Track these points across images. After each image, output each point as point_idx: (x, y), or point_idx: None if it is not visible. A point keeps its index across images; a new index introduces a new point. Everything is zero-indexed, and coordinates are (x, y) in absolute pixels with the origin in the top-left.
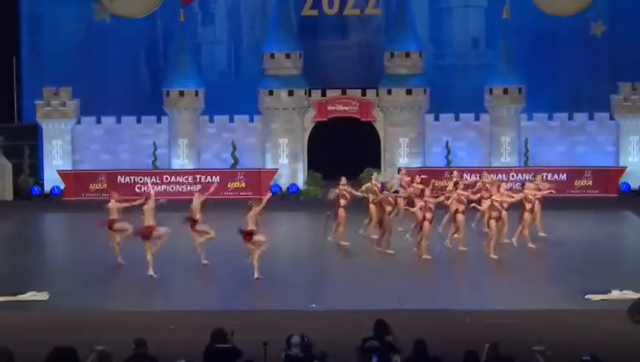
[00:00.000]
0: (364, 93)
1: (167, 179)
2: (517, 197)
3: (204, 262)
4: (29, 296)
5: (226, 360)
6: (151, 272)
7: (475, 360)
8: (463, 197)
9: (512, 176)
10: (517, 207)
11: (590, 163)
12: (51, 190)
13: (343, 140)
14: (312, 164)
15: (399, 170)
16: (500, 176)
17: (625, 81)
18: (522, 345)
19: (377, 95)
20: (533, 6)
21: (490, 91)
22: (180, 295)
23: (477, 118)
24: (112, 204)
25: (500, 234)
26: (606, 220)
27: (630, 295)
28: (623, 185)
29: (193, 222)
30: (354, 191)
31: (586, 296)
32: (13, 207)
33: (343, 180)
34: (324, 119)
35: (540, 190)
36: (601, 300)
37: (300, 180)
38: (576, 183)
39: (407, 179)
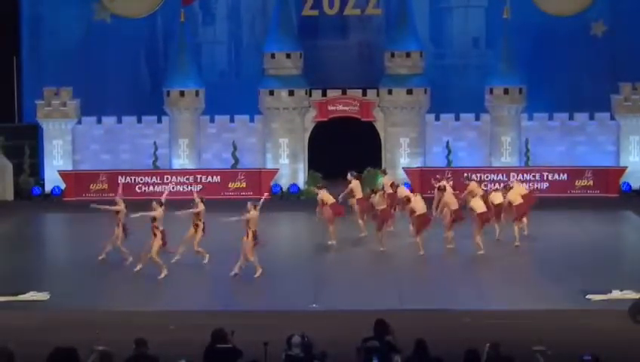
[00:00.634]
0: (364, 93)
1: (167, 179)
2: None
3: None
4: (29, 296)
5: (226, 361)
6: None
7: (476, 360)
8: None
9: (513, 176)
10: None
11: (591, 163)
12: (52, 190)
13: (344, 140)
14: (313, 164)
15: (384, 171)
16: (499, 176)
17: (625, 81)
18: (522, 345)
19: (378, 95)
20: (533, 6)
21: (491, 91)
22: (180, 295)
23: (477, 118)
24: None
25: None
26: (606, 220)
27: (630, 295)
28: (623, 185)
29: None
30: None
31: (587, 296)
32: (14, 207)
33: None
34: (325, 119)
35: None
36: (602, 300)
37: (301, 180)
38: (576, 183)
39: (390, 182)
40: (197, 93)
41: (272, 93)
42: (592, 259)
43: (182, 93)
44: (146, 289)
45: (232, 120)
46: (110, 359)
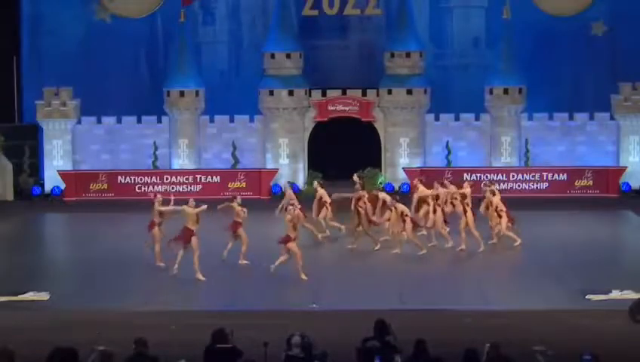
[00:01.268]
0: (364, 93)
1: (167, 179)
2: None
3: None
4: (29, 296)
5: (227, 361)
6: (199, 276)
7: (475, 359)
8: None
9: (513, 176)
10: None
11: (590, 163)
12: (52, 190)
13: (343, 140)
14: (313, 164)
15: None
16: (500, 176)
17: (625, 81)
18: (522, 345)
19: (378, 95)
20: (533, 6)
21: (491, 91)
22: (180, 295)
23: (477, 118)
24: (156, 207)
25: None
26: (606, 220)
27: (630, 295)
28: (623, 185)
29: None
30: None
31: (587, 296)
32: (14, 207)
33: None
34: (325, 119)
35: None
36: (602, 300)
37: (301, 180)
38: (576, 183)
39: (360, 182)
40: (197, 93)
41: (272, 93)
42: (592, 259)
43: (182, 93)
44: (146, 289)
45: (232, 120)
46: (110, 359)
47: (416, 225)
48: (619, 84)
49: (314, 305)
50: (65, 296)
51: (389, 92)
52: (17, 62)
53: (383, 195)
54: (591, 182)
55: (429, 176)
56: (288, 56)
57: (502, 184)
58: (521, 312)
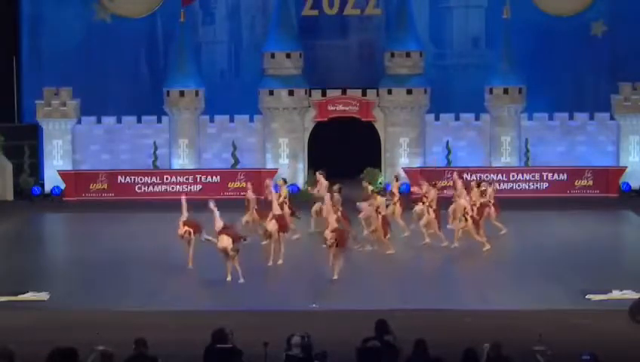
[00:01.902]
0: (364, 93)
1: (167, 179)
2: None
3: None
4: (29, 296)
5: (227, 361)
6: (241, 279)
7: (475, 359)
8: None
9: (513, 176)
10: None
11: (590, 163)
12: (52, 190)
13: (344, 140)
14: (313, 164)
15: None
16: (500, 176)
17: (625, 81)
18: (522, 345)
19: (378, 95)
20: (533, 6)
21: (491, 91)
22: (180, 295)
23: (477, 118)
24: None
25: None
26: (606, 220)
27: (630, 295)
28: (623, 184)
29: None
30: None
31: (586, 296)
32: (14, 206)
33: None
34: (325, 119)
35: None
36: (602, 300)
37: (301, 180)
38: (576, 183)
39: (325, 183)
40: (197, 93)
41: (271, 93)
42: (592, 259)
43: (182, 93)
44: (146, 289)
45: (231, 120)
46: (110, 359)
47: (385, 225)
48: (619, 84)
49: (314, 305)
50: (65, 296)
51: (389, 92)
52: (17, 62)
53: (380, 200)
54: (591, 182)
55: (429, 176)
56: (288, 56)
57: (502, 184)
58: (521, 312)
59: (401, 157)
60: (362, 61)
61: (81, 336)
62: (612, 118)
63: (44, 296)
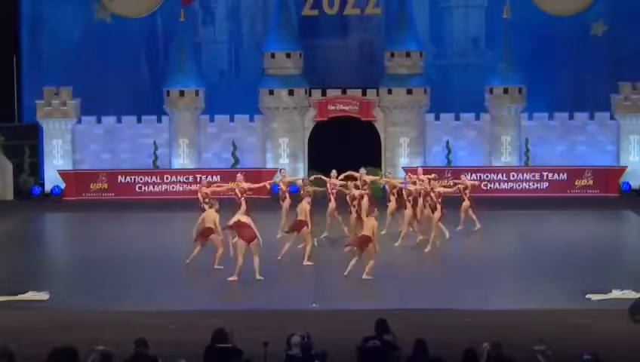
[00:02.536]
0: (364, 93)
1: (167, 178)
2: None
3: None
4: (29, 295)
5: (227, 360)
6: (258, 276)
7: (475, 359)
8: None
9: (513, 176)
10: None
11: (590, 162)
12: (52, 190)
13: (344, 140)
14: (313, 164)
15: (280, 170)
16: (500, 175)
17: (625, 81)
18: (522, 345)
19: (378, 95)
20: (533, 6)
21: (491, 91)
22: (180, 295)
23: (477, 118)
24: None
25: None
26: (606, 220)
27: (630, 295)
28: (623, 184)
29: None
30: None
31: (586, 296)
32: (14, 206)
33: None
34: (325, 119)
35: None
36: (602, 300)
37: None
38: (576, 183)
39: (287, 180)
40: (197, 93)
41: (271, 92)
42: (592, 259)
43: (182, 93)
44: (146, 289)
45: (231, 119)
46: (110, 359)
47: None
48: (619, 84)
49: (314, 305)
50: (65, 295)
51: (389, 92)
52: (17, 62)
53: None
54: (591, 182)
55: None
56: (288, 55)
57: (502, 184)
58: (521, 312)
59: (401, 157)
60: (362, 61)
61: (81, 336)
62: (612, 117)
63: (44, 295)
